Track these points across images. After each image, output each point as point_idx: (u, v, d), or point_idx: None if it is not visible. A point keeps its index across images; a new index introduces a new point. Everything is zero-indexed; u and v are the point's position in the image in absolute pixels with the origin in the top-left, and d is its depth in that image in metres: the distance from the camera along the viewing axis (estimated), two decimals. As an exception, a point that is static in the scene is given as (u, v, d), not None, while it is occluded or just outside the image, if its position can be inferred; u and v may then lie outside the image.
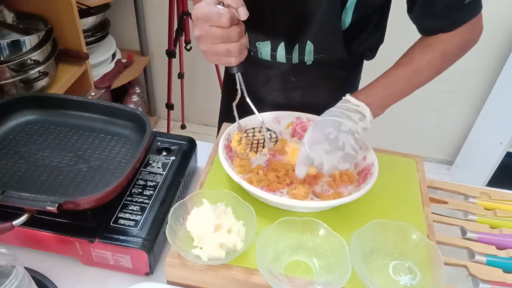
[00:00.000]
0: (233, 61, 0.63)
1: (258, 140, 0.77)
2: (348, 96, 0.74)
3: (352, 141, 0.69)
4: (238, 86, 0.69)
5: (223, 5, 0.59)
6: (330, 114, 0.72)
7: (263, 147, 0.75)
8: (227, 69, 0.67)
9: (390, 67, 0.77)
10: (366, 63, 0.96)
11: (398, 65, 0.76)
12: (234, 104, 0.73)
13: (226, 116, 1.00)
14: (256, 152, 0.75)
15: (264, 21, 0.81)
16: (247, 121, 0.81)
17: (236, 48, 0.61)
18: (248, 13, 0.60)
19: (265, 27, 0.82)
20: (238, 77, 0.68)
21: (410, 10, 0.75)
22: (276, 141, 0.77)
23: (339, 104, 0.74)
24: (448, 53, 0.75)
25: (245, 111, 0.76)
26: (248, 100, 0.70)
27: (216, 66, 2.05)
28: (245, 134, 0.78)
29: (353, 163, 0.71)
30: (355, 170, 0.80)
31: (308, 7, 0.75)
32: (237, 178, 0.70)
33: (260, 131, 0.78)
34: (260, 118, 0.73)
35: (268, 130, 0.78)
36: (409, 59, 0.76)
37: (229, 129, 0.80)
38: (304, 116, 0.85)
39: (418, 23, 0.76)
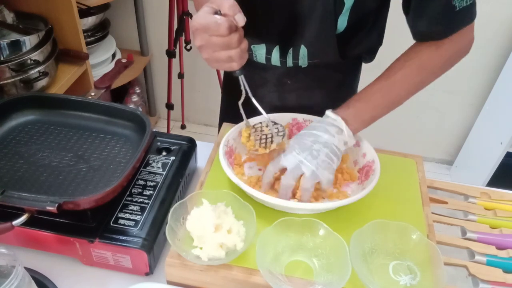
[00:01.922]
0: (235, 66, 0.65)
1: (266, 135, 0.78)
2: (327, 111, 0.75)
3: (327, 151, 0.70)
4: (242, 87, 0.70)
5: (220, 13, 0.60)
6: (310, 127, 0.74)
7: (272, 142, 0.76)
8: (230, 72, 0.68)
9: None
10: (365, 65, 0.95)
11: (377, 79, 0.76)
12: (240, 103, 0.74)
13: (226, 116, 1.00)
14: (266, 147, 0.76)
15: (259, 24, 0.81)
16: (253, 121, 0.81)
17: (237, 53, 0.62)
18: (245, 18, 0.61)
19: (260, 30, 0.82)
20: (242, 79, 0.69)
21: (406, 13, 0.75)
22: (283, 135, 0.77)
23: (319, 118, 0.76)
24: (423, 68, 0.74)
25: (247, 112, 0.77)
26: (253, 100, 0.72)
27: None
28: (253, 130, 0.79)
29: (333, 173, 0.71)
30: (355, 168, 0.80)
31: (302, 11, 0.75)
32: (237, 181, 0.69)
33: (267, 126, 0.79)
34: (266, 116, 0.74)
35: (275, 124, 0.79)
36: (386, 74, 0.75)
37: (228, 134, 0.79)
38: (300, 117, 0.85)
39: (411, 27, 0.75)
